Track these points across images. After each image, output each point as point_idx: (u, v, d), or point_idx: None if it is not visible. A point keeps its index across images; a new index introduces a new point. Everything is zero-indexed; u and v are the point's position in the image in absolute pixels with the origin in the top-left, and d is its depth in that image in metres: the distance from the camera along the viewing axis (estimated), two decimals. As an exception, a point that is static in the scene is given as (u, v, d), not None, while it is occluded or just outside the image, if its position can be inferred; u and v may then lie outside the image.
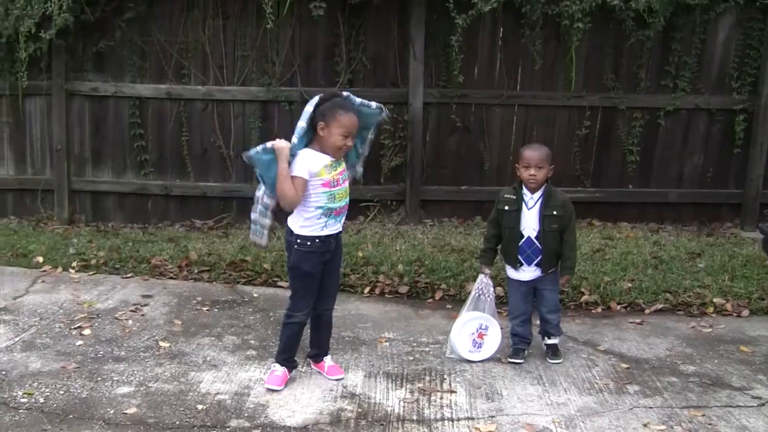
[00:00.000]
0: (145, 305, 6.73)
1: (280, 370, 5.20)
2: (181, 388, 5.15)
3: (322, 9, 8.39)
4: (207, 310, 6.67)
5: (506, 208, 5.55)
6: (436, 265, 7.47)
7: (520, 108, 9.17)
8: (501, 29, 8.96)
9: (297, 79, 9.01)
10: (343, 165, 5.08)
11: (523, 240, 5.52)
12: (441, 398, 5.07)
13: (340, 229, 5.13)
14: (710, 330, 6.41)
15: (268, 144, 4.82)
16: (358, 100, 5.03)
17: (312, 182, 4.89)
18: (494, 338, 5.70)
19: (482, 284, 5.65)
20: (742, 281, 7.26)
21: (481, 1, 8.25)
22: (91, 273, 7.60)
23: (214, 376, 5.34)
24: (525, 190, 5.52)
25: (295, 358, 5.32)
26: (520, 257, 5.55)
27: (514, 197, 5.54)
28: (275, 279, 7.36)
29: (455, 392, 5.15)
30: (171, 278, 7.52)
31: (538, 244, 5.50)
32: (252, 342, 5.97)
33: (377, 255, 7.68)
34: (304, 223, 4.98)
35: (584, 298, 6.96)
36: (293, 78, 9.02)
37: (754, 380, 5.45)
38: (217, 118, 9.17)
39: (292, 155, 4.85)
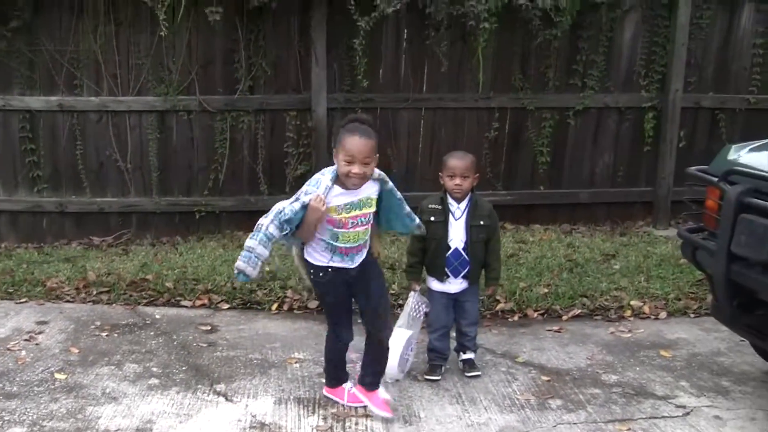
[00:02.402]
0: (40, 333, 6.31)
1: (348, 384, 5.13)
2: (78, 425, 4.79)
3: (219, 14, 8.05)
4: (106, 335, 6.28)
5: (432, 218, 5.31)
6: (347, 277, 7.18)
7: (427, 111, 8.96)
8: (405, 31, 8.73)
9: (195, 87, 8.64)
10: (369, 209, 4.72)
11: (450, 251, 5.31)
12: (356, 424, 4.80)
13: (356, 264, 4.75)
14: (629, 335, 6.29)
15: (305, 200, 4.47)
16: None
17: None
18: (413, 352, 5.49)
19: (416, 302, 5.41)
20: (657, 282, 7.20)
21: (383, 2, 8.01)
22: (-19, 299, 7.15)
23: (114, 410, 4.99)
24: (450, 200, 5.32)
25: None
26: (447, 270, 5.34)
27: (440, 207, 5.32)
28: (178, 298, 7.00)
29: (370, 416, 4.88)
30: (68, 301, 7.09)
31: (466, 256, 5.31)
32: (154, 369, 5.62)
33: (284, 269, 7.34)
34: (314, 254, 4.72)
35: (500, 305, 6.77)
36: (191, 86, 8.64)
37: (677, 387, 5.33)
38: (112, 130, 8.73)
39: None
